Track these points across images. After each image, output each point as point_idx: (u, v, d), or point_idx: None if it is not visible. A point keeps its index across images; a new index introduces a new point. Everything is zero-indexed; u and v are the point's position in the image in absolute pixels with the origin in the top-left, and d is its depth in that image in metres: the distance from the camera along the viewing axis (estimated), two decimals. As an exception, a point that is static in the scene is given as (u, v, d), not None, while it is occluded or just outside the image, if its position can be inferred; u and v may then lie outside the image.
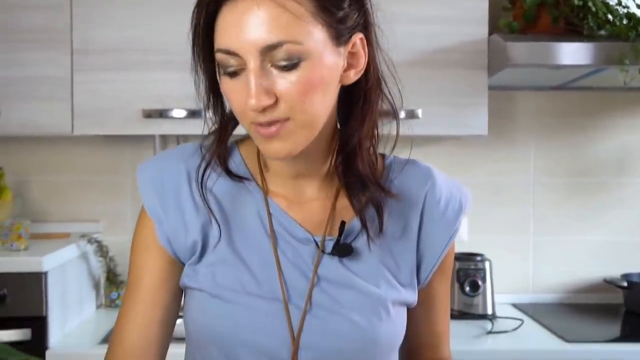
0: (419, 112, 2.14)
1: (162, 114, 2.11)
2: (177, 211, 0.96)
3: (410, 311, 1.01)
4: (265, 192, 0.98)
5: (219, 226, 0.96)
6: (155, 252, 0.98)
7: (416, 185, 1.00)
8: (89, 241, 2.33)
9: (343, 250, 0.95)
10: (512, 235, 2.56)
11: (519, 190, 2.56)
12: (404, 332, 0.99)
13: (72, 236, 2.36)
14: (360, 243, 0.97)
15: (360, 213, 0.96)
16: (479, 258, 2.35)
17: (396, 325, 0.96)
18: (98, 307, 2.43)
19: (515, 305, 2.47)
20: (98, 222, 2.48)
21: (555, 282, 2.56)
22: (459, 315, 2.27)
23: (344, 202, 0.98)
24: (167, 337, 1.00)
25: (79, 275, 2.25)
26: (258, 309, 0.92)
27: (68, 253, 2.14)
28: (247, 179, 0.99)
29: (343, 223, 0.95)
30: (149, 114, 2.12)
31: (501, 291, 2.49)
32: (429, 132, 2.16)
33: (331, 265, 0.95)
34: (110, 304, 2.41)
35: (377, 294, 0.94)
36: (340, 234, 0.95)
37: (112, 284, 2.41)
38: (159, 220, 0.96)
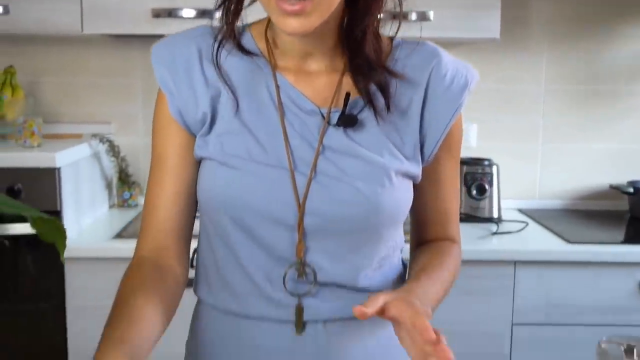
0: (431, 14, 2.12)
1: (171, 13, 2.10)
2: (188, 86, 0.99)
3: (418, 188, 1.04)
4: (274, 67, 1.01)
5: (233, 94, 0.99)
6: (174, 128, 1.02)
7: (422, 63, 1.02)
8: (101, 140, 2.36)
9: (348, 120, 0.97)
10: (520, 143, 2.56)
11: (530, 98, 2.55)
12: (409, 206, 1.02)
13: (84, 137, 2.39)
14: (365, 116, 0.99)
15: (365, 94, 0.98)
16: (486, 162, 2.36)
17: (399, 195, 0.99)
18: (111, 207, 2.48)
19: (521, 211, 2.51)
20: (109, 124, 2.50)
21: (562, 188, 2.59)
22: (465, 218, 2.31)
23: (350, 79, 1.00)
24: (193, 208, 1.05)
25: (91, 175, 2.30)
26: (264, 176, 0.96)
27: (80, 151, 2.18)
28: (256, 55, 1.01)
29: (348, 94, 0.97)
30: (158, 14, 2.11)
31: (508, 197, 2.52)
32: (440, 35, 2.14)
33: (336, 136, 0.98)
34: (123, 203, 2.46)
35: (381, 163, 0.97)
36: (345, 105, 0.97)
37: (124, 184, 2.45)
38: (170, 93, 1.00)
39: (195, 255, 1.10)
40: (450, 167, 1.07)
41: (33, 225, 0.79)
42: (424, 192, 1.07)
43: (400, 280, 1.08)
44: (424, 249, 1.10)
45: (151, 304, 0.91)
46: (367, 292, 1.00)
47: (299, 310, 0.99)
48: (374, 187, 0.96)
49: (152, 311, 0.90)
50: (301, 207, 0.95)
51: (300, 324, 0.99)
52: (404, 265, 1.11)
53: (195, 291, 1.09)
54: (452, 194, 1.10)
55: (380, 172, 0.97)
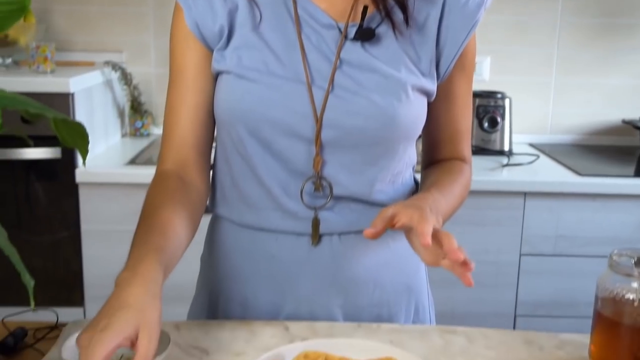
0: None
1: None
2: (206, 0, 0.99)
3: (431, 106, 1.05)
4: None
5: (256, 8, 0.98)
6: (191, 42, 1.02)
7: None
8: (114, 68, 2.36)
9: (365, 34, 0.97)
10: (534, 76, 2.55)
11: (545, 31, 2.52)
12: (423, 122, 1.03)
13: (96, 65, 2.39)
14: (382, 30, 0.99)
15: (383, 8, 0.98)
16: (499, 95, 2.35)
17: (415, 110, 0.99)
18: (123, 136, 2.50)
19: (532, 145, 2.51)
20: (121, 53, 2.49)
21: (574, 123, 2.58)
22: (477, 150, 2.31)
23: None
24: (213, 124, 1.06)
25: (104, 102, 2.30)
26: (282, 89, 0.96)
27: (93, 78, 2.18)
28: None
29: (365, 7, 0.97)
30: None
31: (519, 131, 2.52)
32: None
33: (353, 50, 0.98)
34: (135, 132, 2.47)
35: (397, 77, 0.97)
36: (362, 19, 0.97)
37: (137, 113, 2.46)
38: (187, 6, 1.00)
39: (211, 173, 1.11)
40: (463, 86, 1.08)
41: (55, 128, 0.79)
42: (437, 111, 1.07)
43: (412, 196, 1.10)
44: (435, 166, 1.11)
45: (178, 218, 0.93)
46: (381, 206, 1.01)
47: (315, 223, 1.01)
48: (391, 100, 0.96)
49: (179, 225, 0.92)
50: (319, 120, 0.96)
51: (316, 236, 1.01)
52: (416, 182, 1.12)
53: (210, 206, 1.11)
54: (464, 113, 1.10)
55: (397, 86, 0.97)
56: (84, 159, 0.83)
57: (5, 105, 0.71)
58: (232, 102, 0.98)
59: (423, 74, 1.00)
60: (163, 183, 1.00)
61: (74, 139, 0.84)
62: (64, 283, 2.10)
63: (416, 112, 1.00)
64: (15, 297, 2.00)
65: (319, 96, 0.96)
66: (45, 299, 2.08)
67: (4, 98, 0.73)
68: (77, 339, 0.76)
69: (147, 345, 0.74)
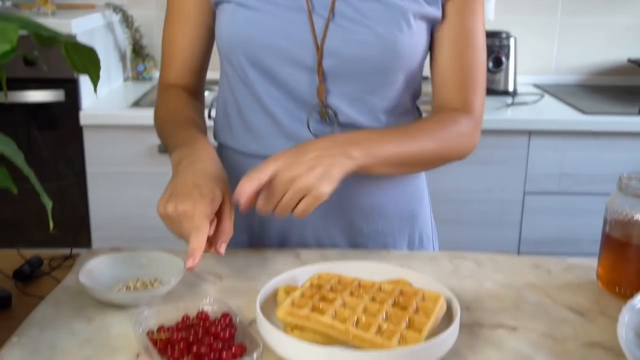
0: None
1: None
2: None
3: (437, 41, 1.03)
4: None
5: None
6: None
7: None
8: (115, 10, 2.33)
9: None
10: (538, 16, 2.52)
11: (550, -31, 2.49)
12: (424, 50, 1.01)
13: (97, 8, 2.36)
14: None
15: None
16: (504, 35, 2.33)
17: (415, 39, 0.98)
18: (125, 80, 2.48)
19: (536, 85, 2.50)
20: (122, -5, 2.47)
21: (579, 63, 2.56)
22: (480, 90, 2.30)
23: None
24: (210, 50, 1.11)
25: (106, 46, 2.28)
26: (282, 17, 0.96)
27: (95, 20, 2.16)
28: None
29: None
30: None
31: (524, 72, 2.50)
32: None
33: None
34: (137, 76, 2.46)
35: (399, 6, 0.96)
36: None
37: (139, 57, 2.44)
38: None
39: (213, 108, 1.13)
40: (466, 20, 1.02)
41: (65, 53, 0.79)
42: (443, 48, 1.03)
43: None
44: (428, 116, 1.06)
45: (198, 125, 1.02)
46: None
47: None
48: (392, 29, 0.95)
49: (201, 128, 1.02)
50: (319, 49, 0.96)
51: None
52: (420, 114, 1.12)
53: (215, 138, 1.12)
54: (472, 49, 1.03)
55: (398, 15, 0.96)
56: (95, 85, 0.83)
57: (20, 27, 0.71)
58: (233, 30, 0.99)
59: (427, 2, 0.99)
60: (176, 92, 1.07)
61: (84, 65, 0.84)
62: (72, 226, 2.11)
63: (417, 41, 0.99)
64: (28, 238, 2.02)
65: (319, 24, 0.96)
66: (53, 242, 2.09)
67: (19, 20, 0.72)
68: (164, 205, 0.83)
69: (231, 210, 0.87)
